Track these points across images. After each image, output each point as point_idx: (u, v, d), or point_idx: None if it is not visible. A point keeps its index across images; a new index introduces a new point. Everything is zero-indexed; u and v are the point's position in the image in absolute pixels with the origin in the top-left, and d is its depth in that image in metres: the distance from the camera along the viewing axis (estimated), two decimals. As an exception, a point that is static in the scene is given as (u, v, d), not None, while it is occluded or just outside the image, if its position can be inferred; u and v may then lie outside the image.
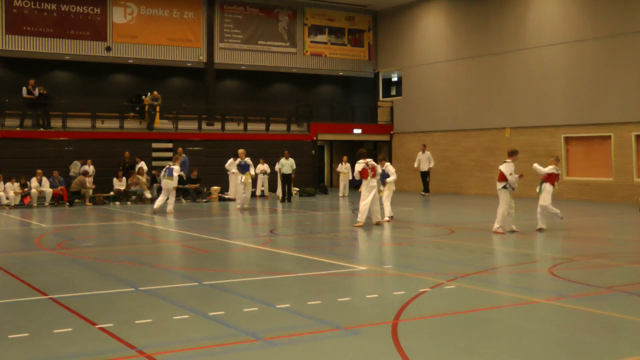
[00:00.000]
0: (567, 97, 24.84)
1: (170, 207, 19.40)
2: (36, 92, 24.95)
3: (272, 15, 31.18)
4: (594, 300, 7.58)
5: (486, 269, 9.73)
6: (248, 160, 20.56)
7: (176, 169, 19.48)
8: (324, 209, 21.17)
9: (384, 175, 16.52)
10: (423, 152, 27.47)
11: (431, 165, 27.59)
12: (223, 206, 22.67)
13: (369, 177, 15.35)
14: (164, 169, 19.88)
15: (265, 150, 28.17)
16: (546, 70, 25.59)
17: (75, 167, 24.24)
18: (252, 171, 20.52)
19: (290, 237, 14.21)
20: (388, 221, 16.18)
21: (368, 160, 15.61)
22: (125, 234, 15.41)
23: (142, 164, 24.66)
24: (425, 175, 27.77)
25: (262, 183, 26.76)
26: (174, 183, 19.41)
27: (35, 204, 22.31)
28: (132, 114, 27.93)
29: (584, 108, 24.28)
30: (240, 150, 21.06)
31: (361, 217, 15.37)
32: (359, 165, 15.48)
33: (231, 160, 23.15)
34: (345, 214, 19.20)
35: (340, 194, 27.18)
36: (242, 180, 20.35)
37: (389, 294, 8.03)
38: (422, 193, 27.74)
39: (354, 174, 15.65)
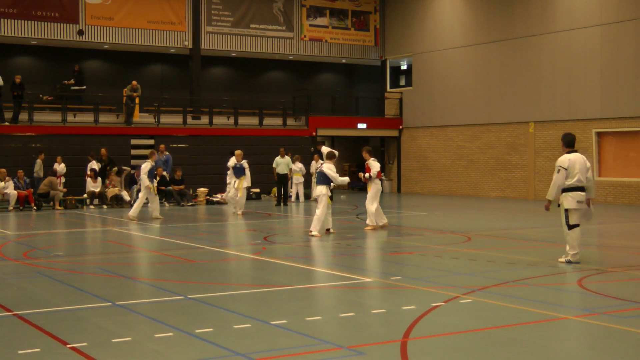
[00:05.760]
0: (602, 88, 24.86)
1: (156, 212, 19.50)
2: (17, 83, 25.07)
3: (265, -6, 31.20)
4: (630, 317, 7.60)
5: (507, 281, 9.75)
6: (245, 163, 20.59)
7: (144, 166, 19.13)
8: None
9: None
10: (282, 156, 24.95)
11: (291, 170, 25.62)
12: (211, 210, 22.68)
13: (382, 177, 16.65)
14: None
15: (258, 147, 28.20)
16: (578, 57, 25.59)
17: (38, 166, 24.07)
18: (247, 177, 20.55)
19: (287, 245, 14.24)
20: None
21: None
22: (100, 242, 15.42)
23: (62, 166, 24.42)
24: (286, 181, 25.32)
25: None
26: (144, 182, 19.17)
27: (-2, 208, 22.36)
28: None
29: (621, 99, 24.31)
30: (238, 152, 21.03)
31: (372, 220, 16.05)
32: (377, 164, 16.22)
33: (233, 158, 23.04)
34: (349, 219, 19.22)
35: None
36: (236, 186, 20.47)
37: (398, 309, 8.06)
38: (277, 203, 24.95)
39: (372, 173, 16.04)
